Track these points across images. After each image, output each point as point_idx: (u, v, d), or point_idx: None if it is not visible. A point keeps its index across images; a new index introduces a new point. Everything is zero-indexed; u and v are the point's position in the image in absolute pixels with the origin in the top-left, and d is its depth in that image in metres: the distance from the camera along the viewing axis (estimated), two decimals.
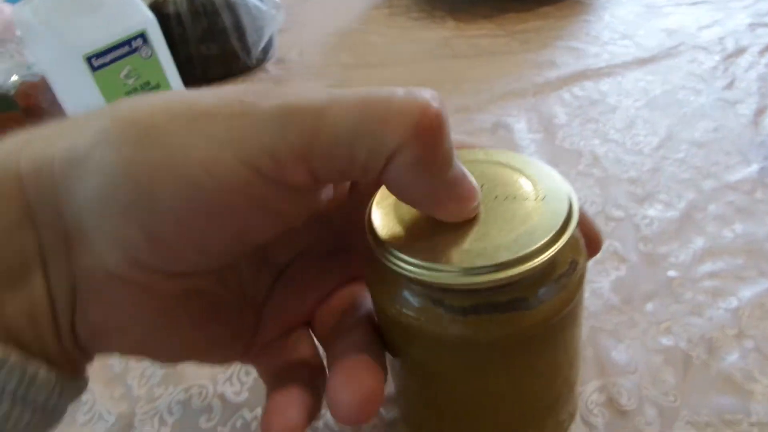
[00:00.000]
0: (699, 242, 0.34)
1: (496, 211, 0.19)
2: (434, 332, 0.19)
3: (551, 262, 0.18)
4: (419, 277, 0.17)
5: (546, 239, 0.17)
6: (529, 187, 0.20)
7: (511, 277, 0.17)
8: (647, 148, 0.43)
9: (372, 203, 0.20)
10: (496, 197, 0.19)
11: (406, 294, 0.19)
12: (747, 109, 0.46)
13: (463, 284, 0.17)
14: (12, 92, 0.46)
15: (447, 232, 0.18)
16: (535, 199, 0.19)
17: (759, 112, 0.45)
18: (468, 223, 0.19)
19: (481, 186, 0.20)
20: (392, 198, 0.20)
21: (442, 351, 0.20)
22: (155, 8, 0.60)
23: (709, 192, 0.38)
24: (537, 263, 0.17)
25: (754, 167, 0.40)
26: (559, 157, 0.43)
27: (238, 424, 0.28)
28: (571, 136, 0.46)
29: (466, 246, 0.18)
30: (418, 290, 0.19)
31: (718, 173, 0.40)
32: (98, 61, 0.43)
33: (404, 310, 0.19)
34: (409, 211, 0.19)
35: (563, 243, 0.18)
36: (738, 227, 0.35)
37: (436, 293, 0.18)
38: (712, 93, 0.49)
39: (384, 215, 0.20)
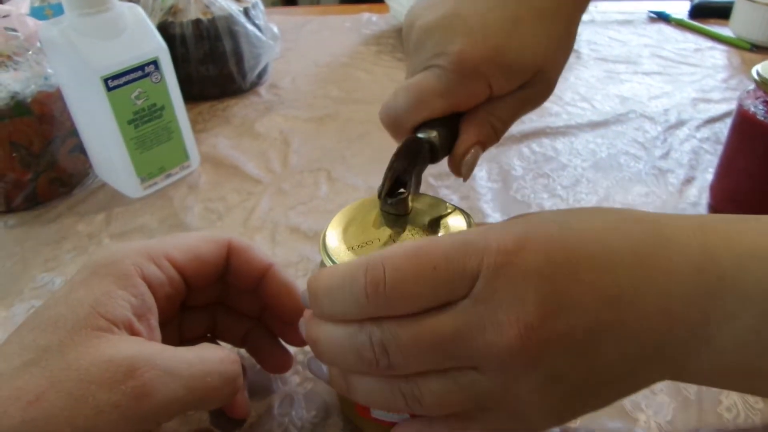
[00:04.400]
0: None
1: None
2: None
3: None
4: None
5: None
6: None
7: None
8: (586, 205, 0.50)
9: (325, 231, 0.29)
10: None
11: None
12: (676, 178, 0.53)
13: None
14: (29, 100, 0.50)
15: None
16: None
17: (685, 182, 0.53)
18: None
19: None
20: (340, 227, 0.30)
21: None
22: (163, 29, 0.65)
23: None
24: None
25: None
26: (511, 206, 0.50)
27: None
28: (524, 188, 0.52)
29: None
30: None
31: None
32: (114, 82, 0.48)
33: None
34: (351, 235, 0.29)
35: None
36: None
37: None
38: (650, 161, 0.56)
39: (333, 236, 0.29)
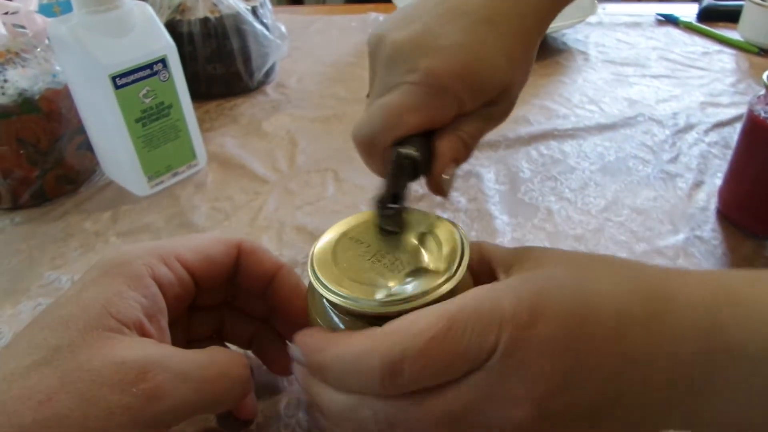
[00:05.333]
0: None
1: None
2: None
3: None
4: (337, 302, 0.25)
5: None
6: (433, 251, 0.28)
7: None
8: (594, 209, 0.50)
9: (312, 258, 0.28)
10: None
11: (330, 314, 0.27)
12: (684, 183, 0.53)
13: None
14: (37, 97, 0.50)
15: (365, 276, 0.26)
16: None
17: (694, 187, 0.52)
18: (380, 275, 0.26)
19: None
20: (328, 253, 0.28)
21: None
22: (171, 27, 0.65)
23: (640, 254, 0.45)
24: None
25: (681, 236, 0.46)
26: (519, 209, 0.50)
27: None
28: (532, 191, 0.52)
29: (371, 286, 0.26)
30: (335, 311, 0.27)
31: (650, 238, 0.46)
32: (122, 80, 0.48)
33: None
34: (341, 261, 0.27)
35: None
36: None
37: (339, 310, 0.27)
38: (658, 165, 0.56)
39: (322, 264, 0.27)
